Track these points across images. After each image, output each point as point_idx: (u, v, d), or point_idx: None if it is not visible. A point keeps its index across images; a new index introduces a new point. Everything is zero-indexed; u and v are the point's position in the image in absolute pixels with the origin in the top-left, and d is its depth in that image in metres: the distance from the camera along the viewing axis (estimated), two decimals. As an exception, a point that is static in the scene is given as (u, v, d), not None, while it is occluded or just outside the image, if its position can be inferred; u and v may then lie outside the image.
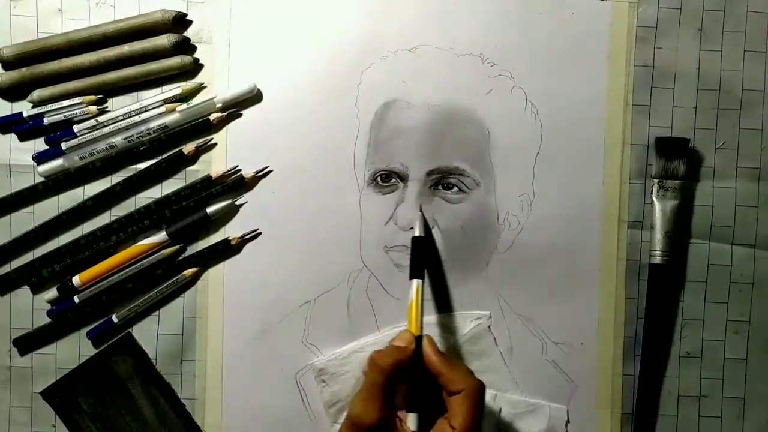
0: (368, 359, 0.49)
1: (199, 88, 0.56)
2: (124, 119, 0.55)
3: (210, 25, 0.56)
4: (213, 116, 0.55)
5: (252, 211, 0.56)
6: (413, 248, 0.53)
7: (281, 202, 0.56)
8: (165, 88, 0.56)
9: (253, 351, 0.56)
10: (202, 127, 0.55)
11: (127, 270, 0.55)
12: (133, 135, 0.55)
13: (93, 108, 0.55)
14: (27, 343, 0.56)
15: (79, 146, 0.55)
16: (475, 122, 0.56)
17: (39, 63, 0.55)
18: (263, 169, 0.56)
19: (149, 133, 0.55)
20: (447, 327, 0.56)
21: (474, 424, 0.47)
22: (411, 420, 0.48)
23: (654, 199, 0.55)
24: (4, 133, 0.56)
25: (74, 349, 0.56)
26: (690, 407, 0.57)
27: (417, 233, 0.53)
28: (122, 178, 0.56)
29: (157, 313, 0.56)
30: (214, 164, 0.56)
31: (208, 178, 0.55)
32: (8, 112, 0.56)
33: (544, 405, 0.56)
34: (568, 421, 0.56)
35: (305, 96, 0.56)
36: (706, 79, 0.56)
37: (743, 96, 0.56)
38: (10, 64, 0.55)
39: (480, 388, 0.48)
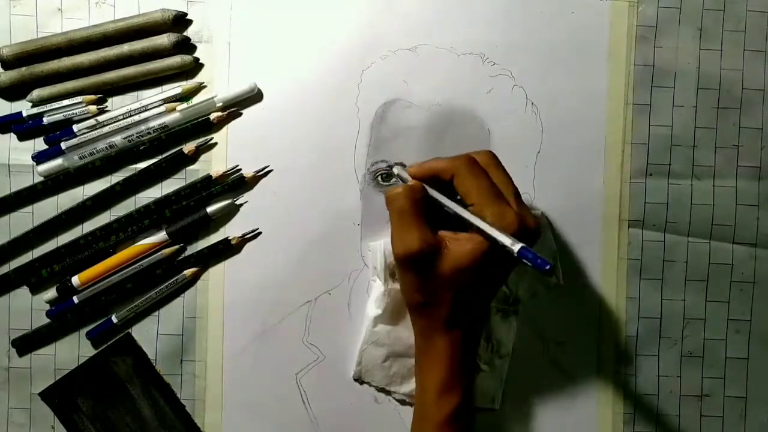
0: (385, 199, 0.48)
1: (199, 87, 0.56)
2: (124, 119, 0.55)
3: (210, 25, 0.56)
4: (213, 116, 0.55)
5: (252, 210, 0.56)
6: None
7: (281, 202, 0.56)
8: (165, 87, 0.56)
9: (253, 351, 0.56)
10: (202, 126, 0.55)
11: (126, 270, 0.55)
12: (133, 134, 0.55)
13: (93, 107, 0.55)
14: (26, 343, 0.56)
15: (78, 146, 0.55)
16: (475, 121, 0.56)
17: (39, 62, 0.55)
18: (263, 169, 0.56)
19: (149, 133, 0.55)
20: None
21: (479, 191, 0.46)
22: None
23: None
24: (3, 132, 0.56)
25: (73, 350, 0.56)
26: (691, 407, 0.57)
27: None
28: (122, 178, 0.55)
29: (156, 313, 0.56)
30: (214, 164, 0.56)
31: (208, 177, 0.55)
32: (8, 112, 0.55)
33: None
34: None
35: (305, 95, 0.56)
36: (706, 78, 0.56)
37: (743, 95, 0.57)
38: (9, 64, 0.55)
39: (466, 159, 0.47)
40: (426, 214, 0.47)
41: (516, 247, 0.43)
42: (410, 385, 0.55)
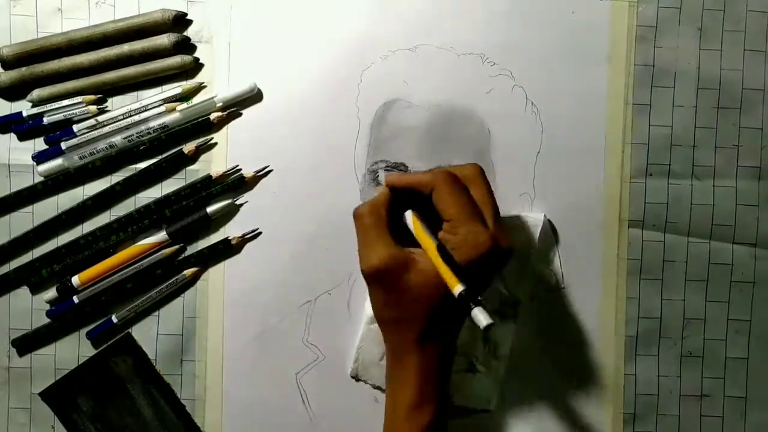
0: (353, 216, 0.48)
1: (199, 87, 0.56)
2: (123, 119, 0.55)
3: (210, 25, 0.56)
4: (213, 116, 0.55)
5: (252, 210, 0.56)
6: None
7: (281, 202, 0.56)
8: (165, 87, 0.56)
9: (253, 351, 0.56)
10: (202, 126, 0.55)
11: (126, 270, 0.55)
12: (133, 134, 0.55)
13: (93, 107, 0.55)
14: (26, 343, 0.56)
15: (78, 146, 0.55)
16: (475, 121, 0.56)
17: (39, 62, 0.55)
18: (263, 169, 0.56)
19: (149, 133, 0.55)
20: None
21: (457, 208, 0.45)
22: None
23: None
24: (3, 132, 0.56)
25: (74, 350, 0.56)
26: (691, 407, 0.57)
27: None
28: (122, 178, 0.55)
29: (156, 313, 0.56)
30: (214, 164, 0.56)
31: (208, 177, 0.55)
32: (8, 112, 0.56)
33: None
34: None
35: (305, 95, 0.56)
36: (706, 77, 0.56)
37: (743, 95, 0.57)
38: (9, 64, 0.55)
39: (446, 174, 0.46)
40: (394, 227, 0.47)
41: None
42: None
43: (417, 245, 0.47)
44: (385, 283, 0.46)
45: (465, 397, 0.55)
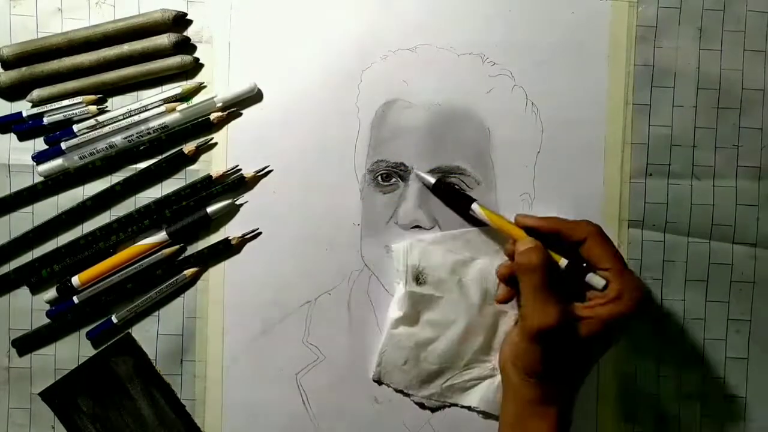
0: (514, 267, 0.50)
1: (199, 87, 0.56)
2: (124, 119, 0.55)
3: (210, 25, 0.56)
4: (213, 116, 0.55)
5: (252, 210, 0.56)
6: (443, 190, 0.55)
7: (281, 202, 0.56)
8: (165, 87, 0.56)
9: (253, 351, 0.56)
10: (202, 126, 0.55)
11: (126, 270, 0.55)
12: (133, 134, 0.55)
13: (93, 108, 0.55)
14: (26, 343, 0.56)
15: (78, 146, 0.55)
16: (475, 121, 0.56)
17: (39, 63, 0.55)
18: (263, 169, 0.56)
19: (149, 133, 0.55)
20: None
21: (615, 258, 0.48)
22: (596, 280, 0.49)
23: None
24: (3, 132, 0.56)
25: (74, 350, 0.56)
26: (691, 407, 0.57)
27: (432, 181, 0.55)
28: (122, 178, 0.55)
29: (156, 313, 0.56)
30: (214, 164, 0.56)
31: (209, 177, 0.55)
32: (8, 112, 0.56)
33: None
34: None
35: (305, 95, 0.56)
36: (706, 78, 0.56)
37: (743, 95, 0.57)
38: (9, 64, 0.55)
39: (597, 227, 0.50)
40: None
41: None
42: (429, 389, 0.55)
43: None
44: (550, 340, 0.47)
45: (488, 403, 0.55)
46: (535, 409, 0.49)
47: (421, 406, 0.56)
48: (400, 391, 0.56)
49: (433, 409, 0.56)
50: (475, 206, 0.53)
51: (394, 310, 0.55)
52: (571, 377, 0.50)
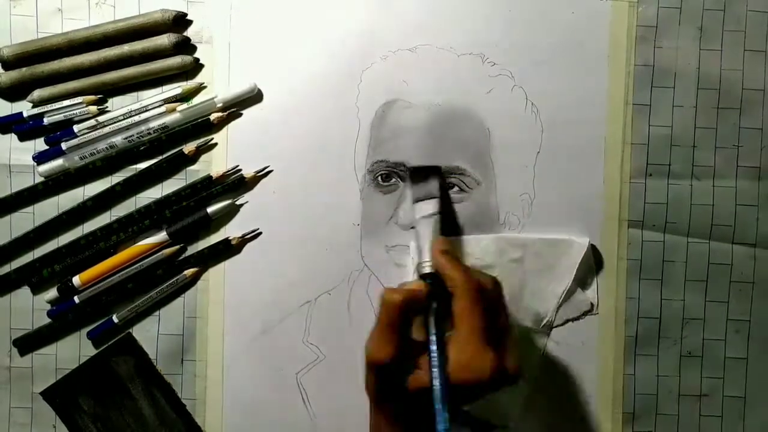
0: (380, 298, 0.47)
1: (200, 87, 0.56)
2: (124, 119, 0.55)
3: (210, 25, 0.56)
4: (213, 116, 0.55)
5: (252, 211, 0.56)
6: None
7: (281, 202, 0.56)
8: (165, 87, 0.56)
9: (253, 351, 0.56)
10: (202, 126, 0.55)
11: (127, 270, 0.55)
12: (133, 135, 0.55)
13: (93, 108, 0.55)
14: (27, 343, 0.56)
15: (79, 146, 0.55)
16: (475, 122, 0.56)
17: (39, 63, 0.55)
18: (263, 169, 0.56)
19: (149, 133, 0.55)
20: None
21: (470, 326, 0.45)
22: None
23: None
24: (4, 133, 0.56)
25: (74, 350, 0.56)
26: (691, 406, 0.57)
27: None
28: (122, 178, 0.55)
29: (157, 313, 0.56)
30: (214, 164, 0.56)
31: (209, 177, 0.55)
32: (8, 112, 0.56)
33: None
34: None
35: (305, 95, 0.56)
36: (706, 78, 0.56)
37: (743, 95, 0.56)
38: (10, 64, 0.55)
39: (473, 285, 0.46)
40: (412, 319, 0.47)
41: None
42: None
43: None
44: (378, 372, 0.46)
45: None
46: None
47: None
48: None
49: None
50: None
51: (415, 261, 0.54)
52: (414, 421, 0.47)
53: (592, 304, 0.56)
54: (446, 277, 0.47)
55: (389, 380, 0.46)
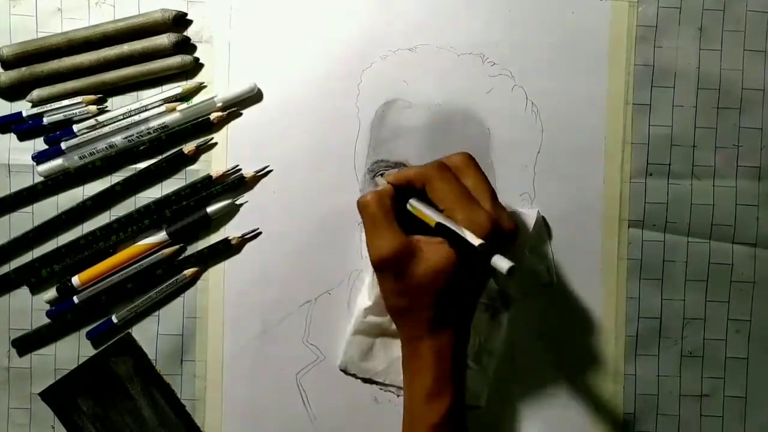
0: (357, 206, 0.48)
1: (200, 87, 0.56)
2: (124, 119, 0.55)
3: (210, 25, 0.56)
4: (213, 116, 0.55)
5: (252, 210, 0.56)
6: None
7: (281, 202, 0.56)
8: (165, 87, 0.56)
9: (253, 351, 0.56)
10: (202, 126, 0.55)
11: (126, 270, 0.55)
12: (133, 134, 0.55)
13: (93, 107, 0.55)
14: (26, 343, 0.56)
15: (78, 146, 0.55)
16: (475, 121, 0.56)
17: (38, 62, 0.55)
18: (263, 169, 0.56)
19: (149, 133, 0.55)
20: None
21: (451, 196, 0.45)
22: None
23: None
24: (3, 132, 0.56)
25: (74, 350, 0.56)
26: (691, 407, 0.57)
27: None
28: (122, 178, 0.55)
29: (156, 313, 0.56)
30: (214, 164, 0.56)
31: (208, 177, 0.55)
32: (8, 112, 0.55)
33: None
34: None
35: (305, 95, 0.56)
36: (706, 78, 0.56)
37: (743, 95, 0.57)
38: (9, 64, 0.55)
39: (437, 165, 0.46)
40: (400, 220, 0.47)
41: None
42: (396, 378, 0.55)
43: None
44: (395, 271, 0.46)
45: None
46: (412, 348, 0.48)
47: (397, 394, 0.56)
48: (368, 380, 0.56)
49: None
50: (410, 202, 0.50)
51: (364, 298, 0.55)
52: (441, 315, 0.47)
53: (550, 276, 0.56)
54: (412, 177, 0.47)
55: (402, 275, 0.46)
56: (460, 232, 0.44)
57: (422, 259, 0.46)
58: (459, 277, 0.46)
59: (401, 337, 0.49)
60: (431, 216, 0.46)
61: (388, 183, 0.49)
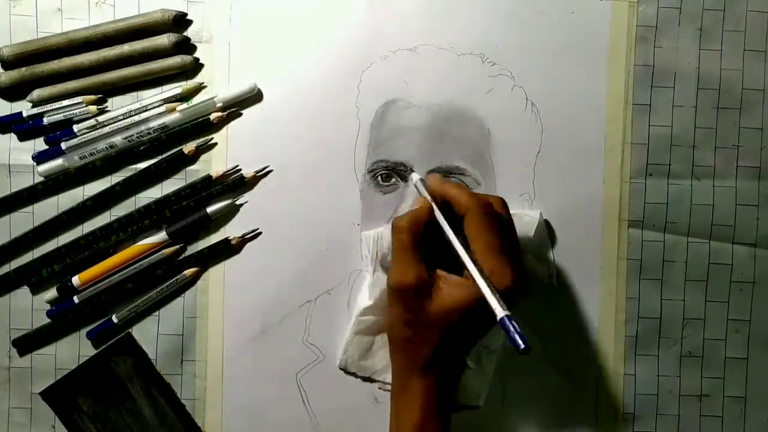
0: (391, 225, 0.48)
1: (200, 87, 0.56)
2: (124, 119, 0.55)
3: (210, 25, 0.56)
4: (213, 116, 0.55)
5: (252, 210, 0.56)
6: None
7: (281, 202, 0.56)
8: (165, 87, 0.56)
9: (253, 351, 0.56)
10: (202, 126, 0.55)
11: (127, 270, 0.55)
12: (133, 135, 0.55)
13: (93, 108, 0.55)
14: (26, 343, 0.56)
15: (78, 146, 0.55)
16: (475, 122, 0.56)
17: (39, 63, 0.55)
18: (263, 169, 0.56)
19: (149, 133, 0.55)
20: None
21: (486, 241, 0.45)
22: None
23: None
24: (3, 132, 0.56)
25: (74, 350, 0.56)
26: (691, 407, 0.57)
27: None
28: (122, 178, 0.55)
29: (157, 313, 0.56)
30: (214, 164, 0.56)
31: (208, 177, 0.55)
32: (8, 112, 0.56)
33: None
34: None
35: (305, 95, 0.56)
36: (706, 78, 0.56)
37: (743, 95, 0.57)
38: (9, 64, 0.55)
39: (483, 202, 0.47)
40: (427, 244, 0.48)
41: (500, 314, 0.42)
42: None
43: (446, 257, 0.47)
44: (409, 302, 0.47)
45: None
46: (402, 382, 0.49)
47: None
48: (367, 379, 0.56)
49: None
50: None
51: (364, 298, 0.55)
52: (438, 355, 0.47)
53: (551, 277, 0.56)
54: (454, 200, 0.48)
55: (415, 307, 0.47)
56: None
57: (438, 297, 0.46)
58: (467, 323, 0.47)
59: (393, 366, 0.50)
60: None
61: (429, 190, 0.49)
